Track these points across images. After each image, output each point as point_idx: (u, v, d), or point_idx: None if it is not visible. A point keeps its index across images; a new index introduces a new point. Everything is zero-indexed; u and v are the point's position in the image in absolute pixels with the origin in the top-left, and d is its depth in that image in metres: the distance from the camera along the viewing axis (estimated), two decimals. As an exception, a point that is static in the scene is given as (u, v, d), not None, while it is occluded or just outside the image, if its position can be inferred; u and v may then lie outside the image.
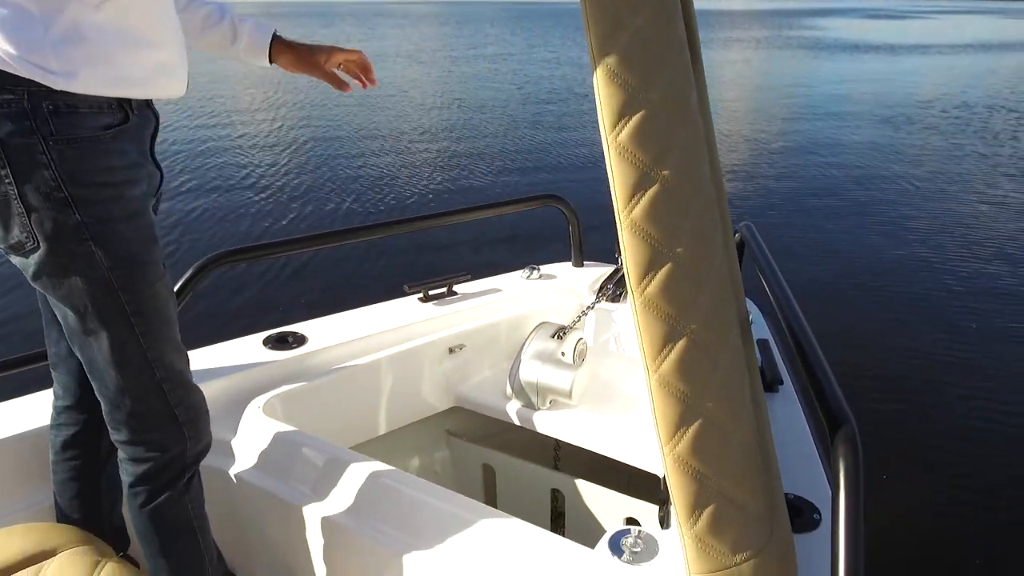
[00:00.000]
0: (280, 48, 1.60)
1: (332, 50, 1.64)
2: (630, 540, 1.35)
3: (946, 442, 3.36)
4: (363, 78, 1.69)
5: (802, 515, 1.34)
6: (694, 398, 0.96)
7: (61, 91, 1.13)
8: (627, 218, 0.91)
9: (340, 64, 1.65)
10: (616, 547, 1.34)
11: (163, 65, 1.27)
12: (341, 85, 1.67)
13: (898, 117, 11.68)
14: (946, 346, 4.27)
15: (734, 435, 1.01)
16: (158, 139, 1.38)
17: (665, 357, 0.95)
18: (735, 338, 1.01)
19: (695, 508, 0.99)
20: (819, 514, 1.35)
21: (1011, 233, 6.35)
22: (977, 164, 8.74)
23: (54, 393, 1.49)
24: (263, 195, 6.84)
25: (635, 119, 0.89)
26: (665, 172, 0.90)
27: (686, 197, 0.92)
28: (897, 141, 9.96)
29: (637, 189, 0.90)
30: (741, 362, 1.02)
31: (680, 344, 0.94)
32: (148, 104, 1.31)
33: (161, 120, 1.38)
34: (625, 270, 0.93)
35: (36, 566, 1.18)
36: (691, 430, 0.97)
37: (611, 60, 0.88)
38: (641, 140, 0.89)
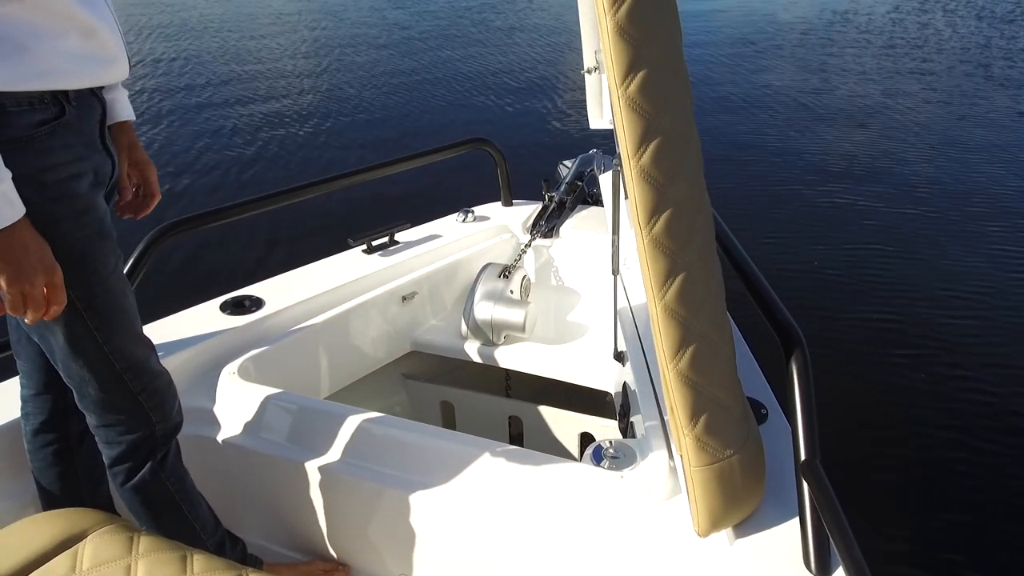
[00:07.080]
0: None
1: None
2: (611, 451, 1.53)
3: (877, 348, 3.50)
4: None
5: (756, 411, 1.56)
6: (692, 321, 1.12)
7: None
8: (636, 164, 1.02)
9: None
10: (599, 458, 1.52)
11: (91, 52, 1.21)
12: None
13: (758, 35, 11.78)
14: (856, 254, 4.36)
15: (721, 350, 1.18)
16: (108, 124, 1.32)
17: (669, 288, 1.09)
18: (718, 265, 1.17)
19: (695, 414, 1.15)
20: (766, 409, 1.57)
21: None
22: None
23: (20, 383, 1.49)
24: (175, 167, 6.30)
25: (641, 74, 0.99)
26: (666, 121, 1.02)
27: (682, 143, 1.05)
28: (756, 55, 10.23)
29: (644, 138, 1.02)
30: (723, 286, 1.19)
31: (681, 276, 1.09)
32: (93, 91, 1.26)
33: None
34: (632, 212, 1.05)
35: (71, 550, 1.20)
36: (690, 349, 1.13)
37: (621, 19, 0.98)
38: (647, 90, 1.00)
